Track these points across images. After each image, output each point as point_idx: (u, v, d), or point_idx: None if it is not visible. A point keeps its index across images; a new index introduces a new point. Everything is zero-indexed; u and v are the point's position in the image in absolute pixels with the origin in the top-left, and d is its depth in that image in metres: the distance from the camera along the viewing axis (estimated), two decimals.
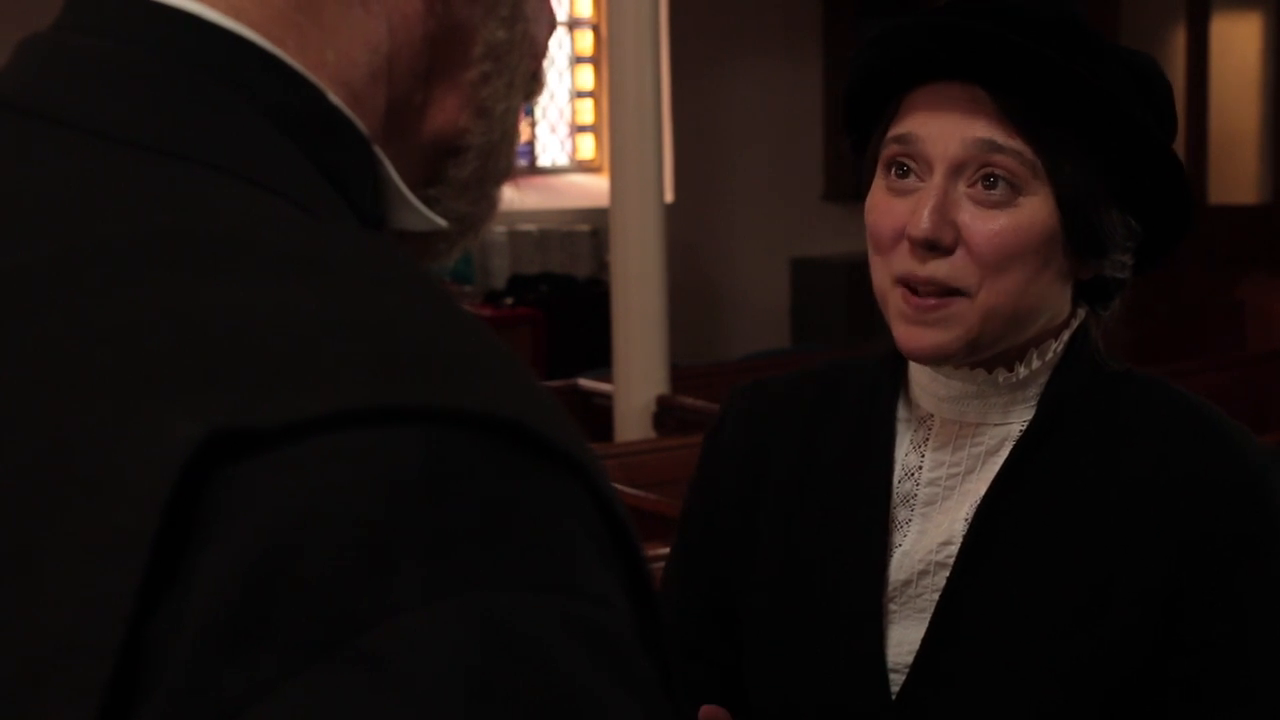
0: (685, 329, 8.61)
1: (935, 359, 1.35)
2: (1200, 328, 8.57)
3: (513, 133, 0.78)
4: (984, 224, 1.30)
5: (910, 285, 1.32)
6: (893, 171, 1.34)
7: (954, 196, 1.30)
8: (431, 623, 0.49)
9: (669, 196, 7.85)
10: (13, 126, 0.65)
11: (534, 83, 0.78)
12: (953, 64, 1.31)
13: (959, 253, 1.30)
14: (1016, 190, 1.29)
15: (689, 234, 9.50)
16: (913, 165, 1.33)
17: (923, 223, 1.29)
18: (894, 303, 1.34)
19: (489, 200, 0.79)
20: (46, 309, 0.56)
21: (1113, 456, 1.35)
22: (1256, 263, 9.54)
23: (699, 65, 9.84)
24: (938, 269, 1.31)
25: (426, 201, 0.75)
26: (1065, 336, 1.38)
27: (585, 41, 10.20)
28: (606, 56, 6.44)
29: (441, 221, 0.75)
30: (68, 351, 0.54)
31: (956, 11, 1.32)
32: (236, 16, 0.66)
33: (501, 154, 0.78)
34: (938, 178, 1.31)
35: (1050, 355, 1.37)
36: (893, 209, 1.33)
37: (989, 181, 1.30)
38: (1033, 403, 1.38)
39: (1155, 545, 1.31)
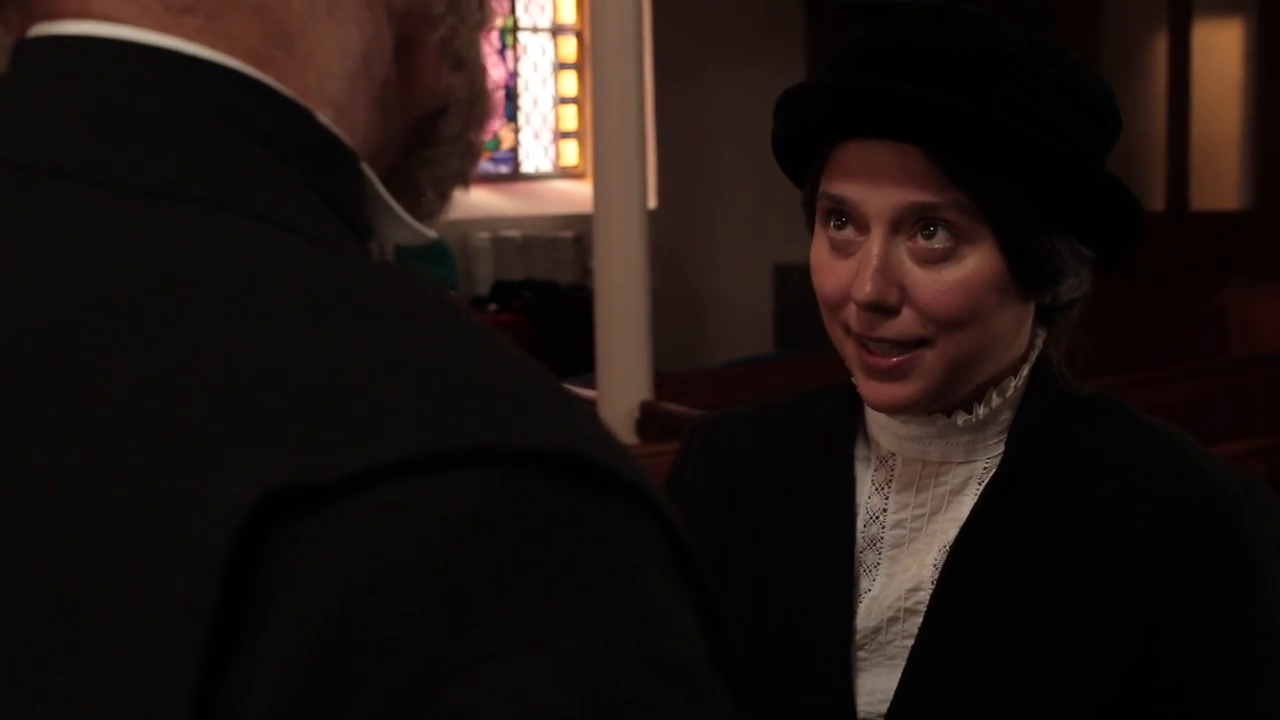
0: (669, 335, 8.61)
1: (901, 410, 1.32)
2: (1182, 333, 8.59)
3: (484, 71, 0.76)
4: (930, 283, 1.27)
5: (864, 343, 1.29)
6: (831, 223, 1.31)
7: (896, 256, 1.27)
8: (516, 671, 0.47)
9: (652, 202, 7.85)
10: None
11: (485, 12, 0.75)
12: (875, 125, 1.27)
13: (907, 311, 1.27)
14: (959, 239, 1.26)
15: (672, 240, 9.51)
16: (849, 219, 1.29)
17: (865, 288, 1.26)
18: (852, 356, 1.32)
19: (475, 150, 0.77)
20: (75, 366, 0.53)
21: (1083, 492, 1.32)
22: (1238, 268, 9.57)
23: (682, 71, 9.86)
24: (888, 329, 1.28)
25: (424, 164, 0.74)
26: (1025, 371, 1.35)
27: (569, 48, 10.20)
28: (590, 63, 6.44)
29: (431, 234, 0.73)
30: (98, 415, 0.51)
31: (874, 63, 1.27)
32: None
33: (484, 98, 0.76)
34: (876, 240, 1.27)
35: (1011, 392, 1.34)
36: (835, 270, 1.30)
37: (928, 232, 1.26)
38: (996, 439, 1.35)
39: (1131, 581, 1.28)
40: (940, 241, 1.26)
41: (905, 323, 1.28)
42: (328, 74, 0.66)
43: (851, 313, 1.29)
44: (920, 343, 1.28)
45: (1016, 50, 1.26)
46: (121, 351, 0.53)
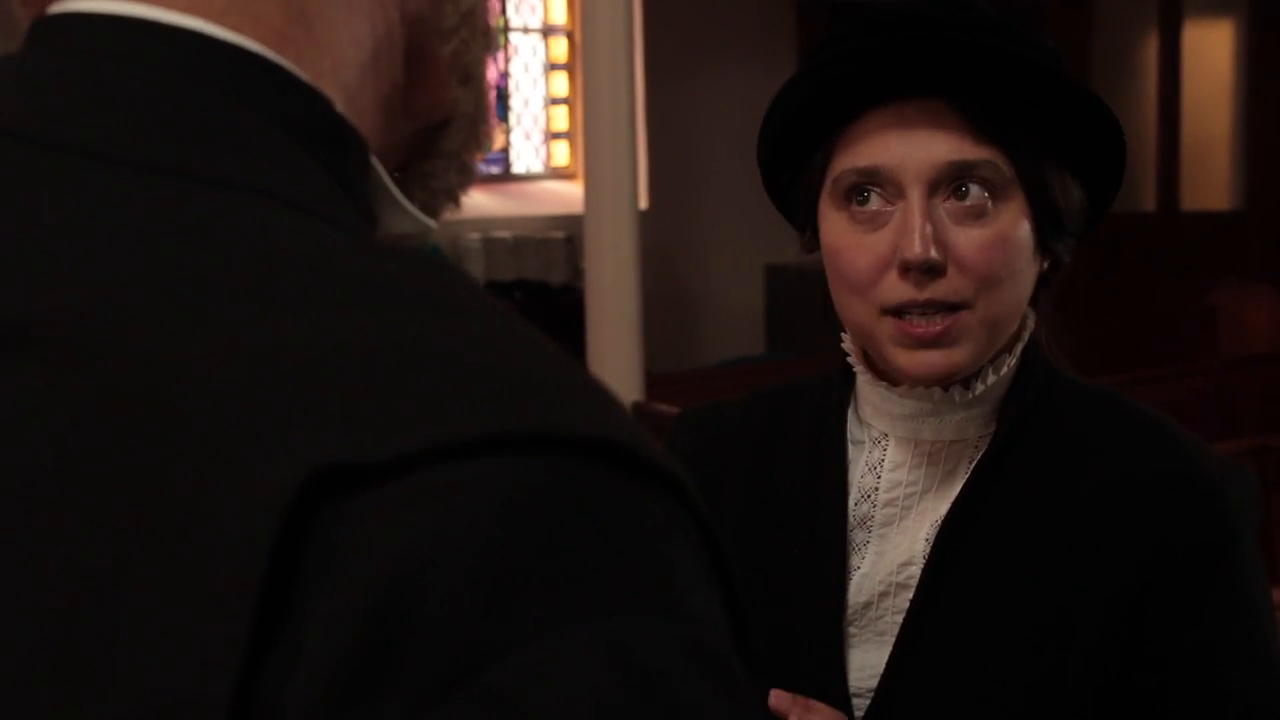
0: (660, 336, 8.61)
1: (945, 379, 1.32)
2: (1173, 334, 8.60)
3: (488, 93, 0.77)
4: (971, 240, 1.28)
5: (904, 313, 1.29)
6: (853, 200, 1.31)
7: (937, 215, 1.28)
8: (558, 654, 0.48)
9: (644, 203, 7.85)
10: (16, 156, 0.61)
11: (490, 37, 0.77)
12: (914, 80, 1.27)
13: (951, 271, 1.28)
14: (991, 195, 1.28)
15: (664, 240, 9.51)
16: (877, 191, 1.30)
17: (915, 247, 1.26)
18: (887, 333, 1.31)
19: (471, 171, 0.78)
20: (112, 349, 0.52)
21: (1071, 471, 1.34)
22: (1229, 268, 9.58)
23: (673, 72, 9.86)
24: (936, 289, 1.28)
25: (420, 177, 0.74)
26: (1018, 349, 1.37)
27: (560, 48, 10.20)
28: (581, 63, 6.44)
29: (432, 223, 0.74)
30: (145, 394, 0.51)
31: (890, 25, 1.28)
32: (236, 33, 0.64)
33: (485, 119, 0.77)
34: (916, 200, 1.27)
35: (1004, 370, 1.36)
36: (865, 244, 1.30)
37: (961, 192, 1.28)
38: (987, 419, 1.36)
39: (1117, 558, 1.30)
40: (974, 199, 1.28)
41: (951, 283, 1.28)
42: (342, 60, 0.67)
43: (891, 284, 1.29)
44: (959, 306, 1.29)
45: (996, 16, 1.30)
46: (163, 331, 0.53)
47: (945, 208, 1.28)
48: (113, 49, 0.63)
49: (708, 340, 10.07)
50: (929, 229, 1.27)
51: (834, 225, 1.33)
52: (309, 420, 0.50)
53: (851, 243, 1.31)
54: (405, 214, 0.71)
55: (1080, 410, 1.38)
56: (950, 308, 1.28)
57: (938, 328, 1.29)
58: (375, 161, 0.69)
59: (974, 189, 1.28)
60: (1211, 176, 10.70)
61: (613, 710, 0.48)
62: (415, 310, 0.55)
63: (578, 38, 8.66)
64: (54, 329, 0.54)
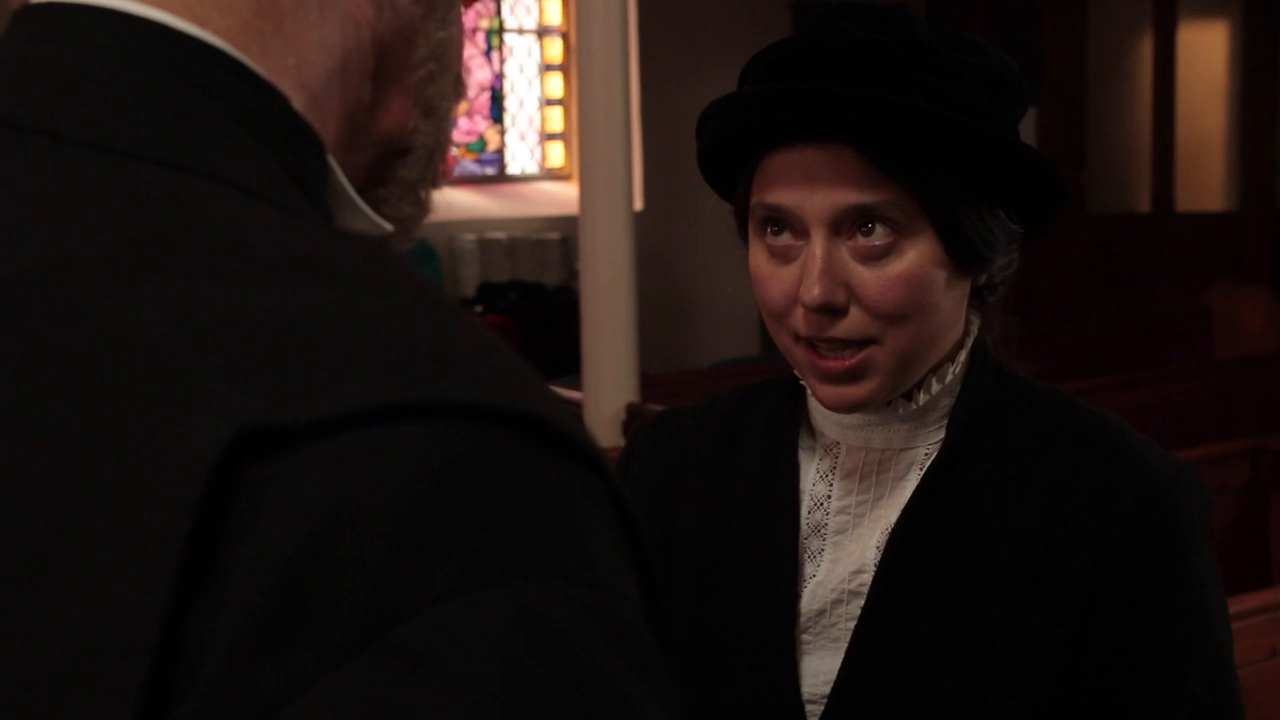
0: (655, 336, 8.61)
1: (858, 409, 1.34)
2: (1168, 335, 8.61)
3: (449, 135, 0.80)
4: (874, 279, 1.28)
5: (815, 344, 1.31)
6: (768, 230, 1.32)
7: (838, 256, 1.29)
8: (468, 614, 0.50)
9: (638, 204, 7.85)
10: None
11: (461, 85, 0.80)
12: (810, 128, 1.28)
13: (854, 310, 1.29)
14: (898, 233, 1.28)
15: (659, 242, 9.51)
16: (786, 225, 1.31)
17: (813, 291, 1.28)
18: (802, 361, 1.33)
19: (424, 204, 0.80)
20: (52, 313, 0.55)
21: (1021, 474, 1.34)
22: (1223, 269, 9.59)
23: (668, 73, 9.86)
24: (838, 329, 1.29)
25: (373, 204, 0.76)
26: (961, 357, 1.37)
27: (554, 49, 10.20)
28: (575, 64, 6.44)
29: (388, 226, 0.76)
30: (80, 355, 0.54)
31: (797, 66, 1.29)
32: (201, 25, 0.67)
33: (442, 155, 0.79)
34: (818, 242, 1.29)
35: (949, 378, 1.36)
36: (778, 276, 1.32)
37: (867, 229, 1.28)
38: (937, 425, 1.37)
39: (1066, 559, 1.30)
40: (880, 238, 1.28)
41: (854, 322, 1.29)
42: (308, 61, 0.70)
43: (799, 317, 1.31)
44: (869, 341, 1.30)
45: (927, 39, 1.29)
46: (102, 296, 0.55)
47: (849, 246, 1.29)
48: (81, 38, 0.66)
49: (702, 341, 10.08)
50: (828, 272, 1.28)
51: (755, 252, 1.35)
52: (239, 383, 0.52)
53: (767, 273, 1.33)
54: (361, 215, 0.73)
55: (1030, 414, 1.38)
56: (859, 343, 1.30)
57: (847, 363, 1.30)
58: (332, 161, 0.71)
59: (879, 228, 1.28)
60: (1206, 178, 10.71)
61: (519, 669, 0.49)
62: (348, 286, 0.57)
63: (573, 39, 8.67)
64: (2, 297, 0.56)
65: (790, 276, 1.31)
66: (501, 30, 10.09)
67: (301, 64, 0.69)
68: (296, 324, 0.54)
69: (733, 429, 1.48)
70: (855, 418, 1.37)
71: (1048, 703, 1.30)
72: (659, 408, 6.00)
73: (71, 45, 0.66)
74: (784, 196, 1.30)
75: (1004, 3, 10.65)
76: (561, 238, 9.56)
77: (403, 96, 0.75)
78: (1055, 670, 1.30)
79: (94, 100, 0.64)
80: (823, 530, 1.40)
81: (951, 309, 1.33)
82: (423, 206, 0.80)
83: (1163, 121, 10.63)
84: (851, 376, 1.31)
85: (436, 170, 0.79)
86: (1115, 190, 10.76)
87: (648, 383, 6.48)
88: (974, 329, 1.39)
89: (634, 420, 6.01)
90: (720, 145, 1.36)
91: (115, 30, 0.66)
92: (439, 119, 0.77)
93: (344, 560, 0.49)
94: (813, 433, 1.43)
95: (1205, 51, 10.74)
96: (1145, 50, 10.76)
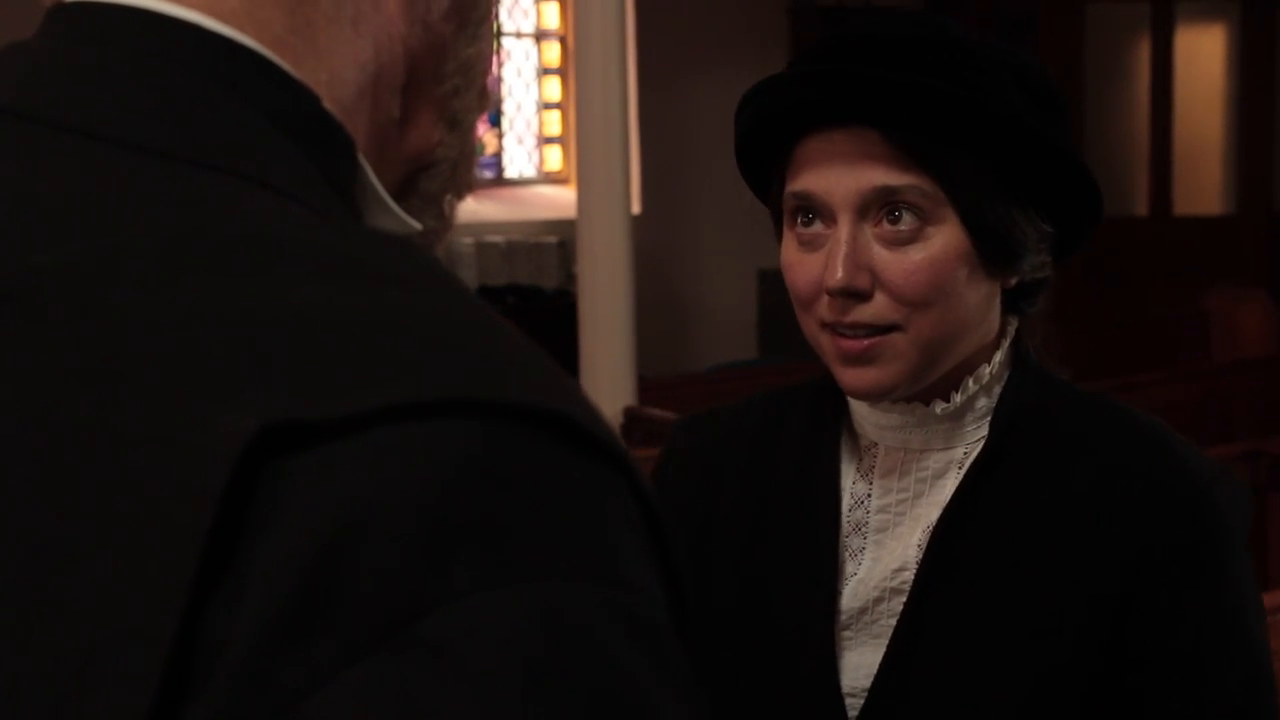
0: (652, 340, 8.61)
1: (878, 394, 1.35)
2: (1166, 338, 8.61)
3: (473, 147, 0.80)
4: (898, 264, 1.30)
5: (837, 328, 1.33)
6: (799, 220, 1.35)
7: (863, 241, 1.31)
8: (490, 610, 0.50)
9: (636, 208, 7.85)
10: (16, 133, 0.65)
11: (487, 97, 0.80)
12: (838, 110, 1.30)
13: (879, 295, 1.31)
14: (924, 220, 1.30)
15: (656, 245, 9.51)
16: (816, 213, 1.33)
17: (837, 274, 1.30)
18: (826, 347, 1.35)
19: (447, 217, 0.81)
20: (87, 305, 0.56)
21: (1062, 474, 1.35)
22: (1222, 273, 9.60)
23: (666, 77, 9.86)
24: (861, 314, 1.31)
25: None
26: (998, 358, 1.39)
27: (552, 53, 10.20)
28: (573, 68, 6.44)
29: (417, 225, 0.76)
30: (113, 347, 0.54)
31: (834, 53, 1.31)
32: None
33: (466, 166, 0.80)
34: (844, 226, 1.31)
35: (986, 379, 1.38)
36: (805, 264, 1.34)
37: (893, 216, 1.30)
38: (975, 425, 1.38)
39: (1107, 560, 1.31)
40: (906, 224, 1.30)
41: (878, 307, 1.31)
42: (340, 77, 0.70)
43: (824, 303, 1.33)
44: (891, 328, 1.31)
45: (966, 41, 1.32)
46: (133, 291, 0.56)
47: (875, 232, 1.31)
48: (113, 37, 0.66)
49: (700, 345, 10.07)
50: (853, 256, 1.30)
51: (786, 242, 1.38)
52: (265, 379, 0.52)
53: (795, 261, 1.35)
54: (391, 214, 0.74)
55: (1072, 414, 1.39)
56: (879, 329, 1.31)
57: (864, 343, 1.32)
58: (363, 160, 0.71)
59: (905, 214, 1.30)
60: (1204, 181, 10.72)
61: (540, 666, 0.49)
62: (378, 284, 0.57)
63: (570, 43, 8.67)
64: (36, 289, 0.57)
65: (817, 263, 1.33)
66: (499, 34, 10.07)
67: (334, 79, 0.70)
68: (325, 321, 0.54)
69: (772, 428, 1.49)
70: (893, 418, 1.38)
71: (1084, 700, 1.31)
72: (656, 411, 6.02)
73: (103, 44, 0.67)
74: (812, 183, 1.32)
75: (1002, 4, 10.65)
76: (559, 241, 9.55)
77: (431, 110, 0.76)
78: (1093, 668, 1.31)
79: (126, 98, 0.64)
80: (864, 528, 1.41)
81: (978, 304, 1.34)
82: (446, 219, 0.80)
83: (1160, 124, 10.63)
84: (869, 358, 1.32)
85: (460, 182, 0.80)
86: (1113, 193, 10.71)
87: (645, 386, 6.49)
88: (1010, 330, 1.40)
89: (632, 424, 6.01)
90: (754, 134, 1.37)
91: (147, 29, 0.66)
92: (463, 132, 0.78)
93: (367, 555, 0.49)
94: (853, 433, 1.44)
95: (1203, 54, 10.75)
96: (1143, 53, 10.77)
